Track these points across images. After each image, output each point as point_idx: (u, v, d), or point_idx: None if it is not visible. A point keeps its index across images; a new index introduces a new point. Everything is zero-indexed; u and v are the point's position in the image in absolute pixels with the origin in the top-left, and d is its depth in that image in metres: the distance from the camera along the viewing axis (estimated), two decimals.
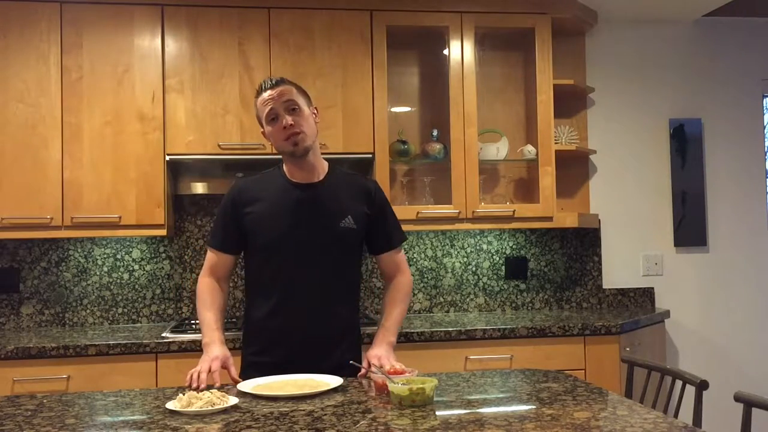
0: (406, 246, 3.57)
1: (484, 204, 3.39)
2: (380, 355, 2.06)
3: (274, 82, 2.10)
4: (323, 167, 2.20)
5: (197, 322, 3.14)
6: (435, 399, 1.72)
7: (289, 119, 2.06)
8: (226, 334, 2.61)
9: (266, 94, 2.08)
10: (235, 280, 3.36)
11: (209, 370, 1.97)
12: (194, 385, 1.91)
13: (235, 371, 2.03)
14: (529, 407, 1.66)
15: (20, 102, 3.03)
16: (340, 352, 2.13)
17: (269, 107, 2.07)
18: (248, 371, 2.11)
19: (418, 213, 3.24)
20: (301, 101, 2.11)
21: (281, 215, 2.12)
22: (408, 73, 3.60)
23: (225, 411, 1.65)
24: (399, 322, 2.23)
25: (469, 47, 3.33)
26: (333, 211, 2.13)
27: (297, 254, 2.10)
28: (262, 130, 2.16)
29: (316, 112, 2.18)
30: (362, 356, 2.20)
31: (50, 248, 3.34)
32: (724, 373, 3.74)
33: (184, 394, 1.70)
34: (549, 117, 3.38)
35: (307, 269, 2.11)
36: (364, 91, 3.23)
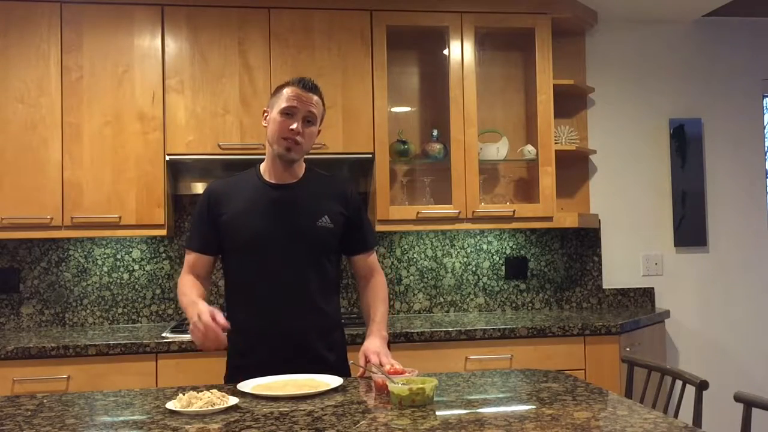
0: (406, 246, 3.57)
1: (484, 204, 3.39)
2: (378, 350, 2.06)
3: (310, 86, 2.12)
4: (301, 169, 2.21)
5: None
6: (435, 399, 1.72)
7: (299, 126, 2.08)
8: None
9: (298, 92, 2.09)
10: None
11: (204, 319, 1.89)
12: (199, 328, 1.86)
13: (222, 318, 1.92)
14: (529, 407, 1.66)
15: (20, 102, 3.03)
16: (325, 351, 2.13)
17: (293, 103, 2.08)
18: (233, 374, 2.10)
19: (418, 213, 3.24)
20: (318, 119, 2.15)
21: (257, 215, 2.12)
22: (408, 73, 3.60)
23: (225, 411, 1.65)
24: (386, 318, 2.24)
25: (469, 47, 3.33)
26: (309, 211, 2.14)
27: (274, 253, 2.10)
28: (265, 111, 2.16)
29: (319, 132, 2.20)
30: (347, 355, 2.21)
31: (50, 248, 3.34)
32: (724, 373, 3.74)
33: (184, 394, 1.70)
34: (549, 117, 3.38)
35: (286, 269, 2.10)
36: (364, 91, 3.24)
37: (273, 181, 2.17)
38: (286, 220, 2.12)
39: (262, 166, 2.21)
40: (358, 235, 2.25)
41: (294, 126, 2.07)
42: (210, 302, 2.13)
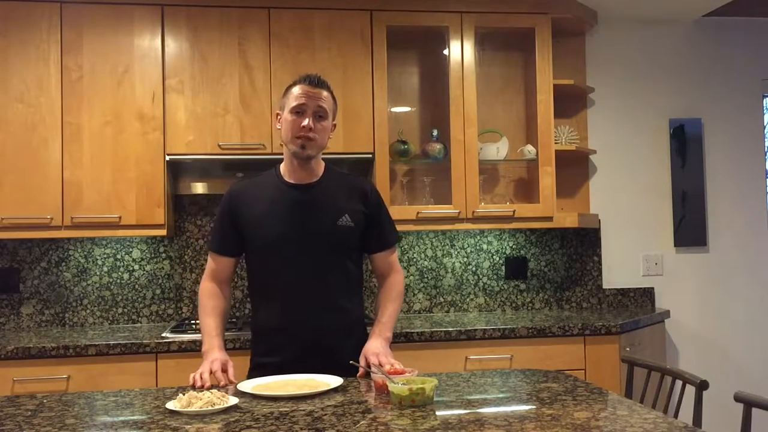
0: (406, 246, 3.57)
1: (484, 204, 3.39)
2: (378, 351, 2.06)
3: (317, 82, 2.12)
4: (320, 168, 2.22)
5: (197, 322, 3.14)
6: (435, 399, 1.72)
7: (311, 122, 2.08)
8: (226, 334, 2.62)
9: (306, 89, 2.10)
10: (235, 280, 3.36)
11: (210, 372, 1.99)
12: (198, 385, 1.92)
13: (233, 374, 2.03)
14: (529, 407, 1.66)
15: (20, 102, 3.03)
16: (349, 350, 2.13)
17: (302, 101, 2.09)
18: (256, 372, 2.11)
19: (418, 213, 3.24)
20: (330, 114, 2.15)
21: (278, 216, 2.13)
22: (408, 73, 3.60)
23: (225, 411, 1.65)
24: (394, 319, 2.24)
25: (469, 47, 3.33)
26: (330, 210, 2.15)
27: (296, 254, 2.11)
28: (278, 113, 2.17)
29: (334, 127, 2.20)
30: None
31: (50, 248, 3.34)
32: (724, 373, 3.74)
33: (184, 394, 1.70)
34: (549, 117, 3.38)
35: (308, 268, 2.12)
36: (364, 91, 3.23)
37: (293, 182, 2.17)
38: (307, 220, 2.13)
39: (282, 167, 2.22)
40: (378, 233, 2.25)
41: (305, 123, 2.08)
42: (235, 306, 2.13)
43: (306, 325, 2.11)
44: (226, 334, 2.74)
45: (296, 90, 2.11)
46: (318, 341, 2.11)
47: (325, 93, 2.13)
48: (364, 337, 2.24)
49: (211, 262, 2.24)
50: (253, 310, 2.25)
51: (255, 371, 2.14)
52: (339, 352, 2.11)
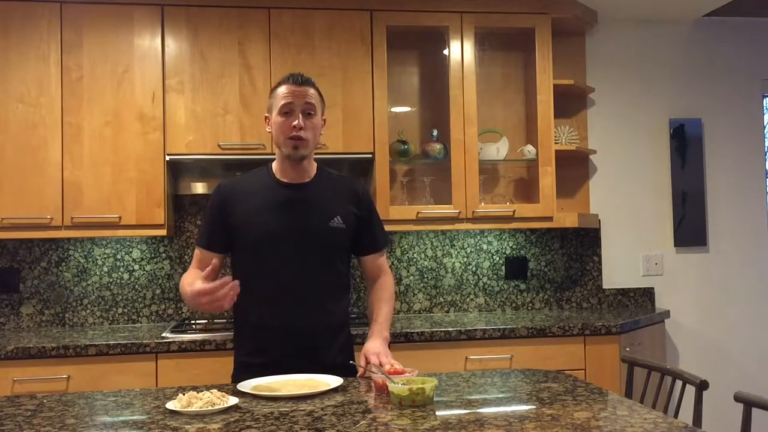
0: (406, 246, 3.57)
1: (484, 204, 3.39)
2: (378, 351, 2.05)
3: (302, 80, 2.11)
4: (313, 168, 2.21)
5: (197, 322, 3.15)
6: (435, 399, 1.72)
7: (301, 121, 2.08)
8: (220, 334, 2.62)
9: (291, 88, 2.09)
10: None
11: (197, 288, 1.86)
12: (224, 305, 1.83)
13: (223, 281, 1.86)
14: (529, 407, 1.66)
15: (20, 102, 3.03)
16: (334, 351, 2.13)
17: (289, 100, 2.08)
18: (241, 372, 2.10)
19: (418, 213, 3.24)
20: (318, 110, 2.14)
21: (269, 214, 2.12)
22: (408, 73, 3.60)
23: (225, 411, 1.65)
24: (390, 319, 2.24)
25: (469, 47, 3.33)
26: (322, 211, 2.14)
27: (286, 253, 2.10)
28: (267, 116, 2.17)
29: (323, 122, 2.20)
30: (355, 356, 2.20)
31: (50, 248, 3.34)
32: (724, 373, 3.74)
33: (184, 394, 1.70)
34: (549, 117, 3.38)
35: (297, 268, 2.11)
36: (364, 91, 3.23)
37: (285, 181, 2.17)
38: (298, 219, 2.12)
39: (274, 166, 2.21)
40: (369, 235, 2.25)
41: (295, 122, 2.07)
42: None
43: (293, 325, 2.09)
44: (224, 334, 2.77)
45: (282, 90, 2.10)
46: (305, 342, 2.10)
47: (311, 90, 2.12)
48: (349, 339, 2.24)
49: (198, 256, 2.19)
50: (237, 308, 2.18)
51: (239, 370, 2.13)
52: (325, 353, 2.11)
